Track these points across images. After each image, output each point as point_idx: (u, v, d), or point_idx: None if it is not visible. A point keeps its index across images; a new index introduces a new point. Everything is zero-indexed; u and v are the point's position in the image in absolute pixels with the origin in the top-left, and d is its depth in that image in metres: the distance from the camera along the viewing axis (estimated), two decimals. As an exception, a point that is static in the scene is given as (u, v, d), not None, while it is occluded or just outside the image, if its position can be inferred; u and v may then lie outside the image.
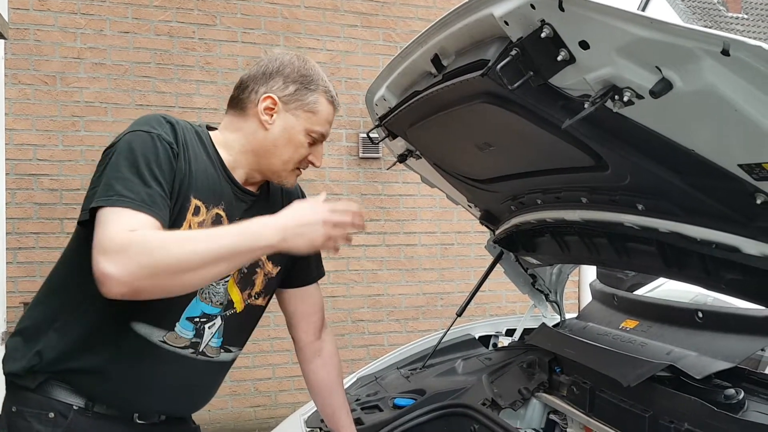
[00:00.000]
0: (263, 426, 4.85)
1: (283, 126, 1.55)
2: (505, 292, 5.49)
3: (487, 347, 2.84)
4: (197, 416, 1.70)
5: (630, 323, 2.27)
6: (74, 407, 1.44)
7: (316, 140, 1.59)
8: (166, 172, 1.37)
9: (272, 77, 1.57)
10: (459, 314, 2.71)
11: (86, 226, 1.34)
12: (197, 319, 1.52)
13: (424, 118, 1.83)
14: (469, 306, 2.77)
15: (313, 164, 1.63)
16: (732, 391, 1.67)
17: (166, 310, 1.46)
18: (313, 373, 1.86)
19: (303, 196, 1.79)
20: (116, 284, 1.20)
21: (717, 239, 1.40)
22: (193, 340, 1.52)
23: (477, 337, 2.84)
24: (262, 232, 1.31)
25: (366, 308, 5.22)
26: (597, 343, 2.19)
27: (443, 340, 2.76)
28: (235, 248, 1.29)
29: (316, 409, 2.24)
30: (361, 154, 5.09)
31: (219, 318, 1.57)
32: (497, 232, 2.45)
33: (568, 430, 2.23)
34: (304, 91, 1.57)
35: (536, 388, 2.32)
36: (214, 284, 1.53)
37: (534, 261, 2.48)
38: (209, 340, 1.56)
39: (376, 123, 2.15)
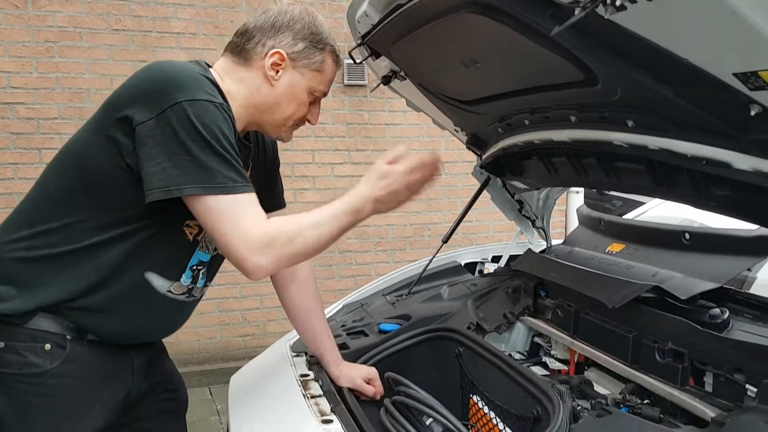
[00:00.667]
0: (252, 355, 4.88)
1: (289, 83, 1.53)
2: (492, 221, 5.49)
3: (473, 274, 2.84)
4: (187, 346, 1.73)
5: (616, 247, 2.25)
6: (68, 337, 1.43)
7: (317, 98, 1.60)
8: (234, 143, 1.39)
9: (281, 31, 1.52)
10: (445, 241, 2.69)
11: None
12: (195, 267, 1.56)
13: (408, 33, 1.75)
14: (455, 235, 2.75)
15: (309, 122, 1.63)
16: (717, 310, 1.67)
17: (177, 262, 1.53)
18: (290, 299, 1.86)
19: (276, 147, 1.85)
20: (265, 273, 1.36)
21: (708, 155, 1.35)
22: (190, 286, 1.57)
23: (463, 264, 2.83)
24: (362, 207, 1.42)
25: (353, 239, 5.21)
26: (583, 266, 2.18)
27: (429, 267, 2.75)
28: (347, 226, 1.43)
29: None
30: (346, 82, 4.96)
31: (209, 261, 1.61)
32: (484, 156, 2.39)
33: (552, 352, 2.24)
34: (312, 50, 1.54)
35: (521, 312, 2.33)
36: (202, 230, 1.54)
37: (521, 185, 2.44)
38: (199, 283, 1.60)
39: (359, 42, 2.06)
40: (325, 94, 1.62)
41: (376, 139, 5.16)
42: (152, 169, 1.29)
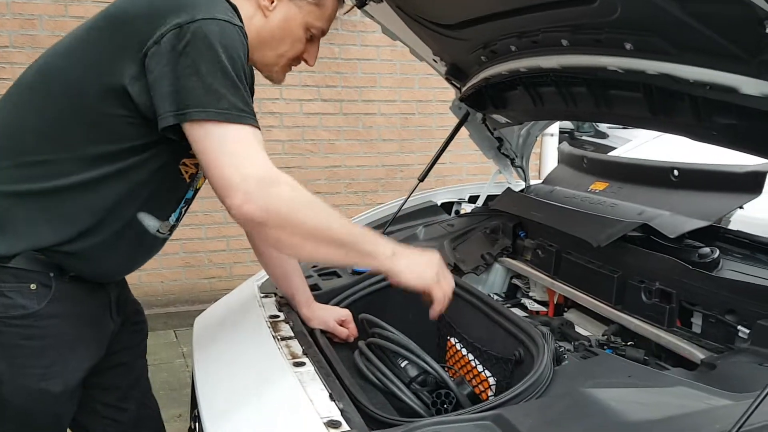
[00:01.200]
0: (219, 297, 4.77)
1: (284, 16, 1.40)
2: (465, 164, 5.39)
3: (450, 214, 2.74)
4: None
5: (600, 185, 2.17)
6: (51, 275, 1.34)
7: (314, 36, 1.47)
8: (247, 71, 1.29)
9: None
10: (421, 179, 2.57)
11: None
12: (182, 206, 1.51)
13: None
14: (429, 178, 2.64)
15: (306, 62, 1.51)
16: (707, 249, 1.60)
17: (171, 202, 1.46)
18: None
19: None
20: (248, 215, 1.19)
21: (713, 79, 1.25)
22: (174, 223, 1.50)
23: (439, 204, 2.72)
24: (380, 245, 1.33)
25: (323, 180, 5.07)
26: (565, 205, 2.09)
27: (404, 207, 2.64)
28: (355, 244, 1.30)
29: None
30: (316, 14, 4.72)
31: (191, 198, 1.54)
32: (464, 88, 2.26)
33: (530, 294, 2.18)
34: None
35: (499, 253, 2.25)
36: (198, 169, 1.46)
37: (503, 120, 2.32)
38: (180, 220, 1.54)
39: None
40: (324, 33, 1.48)
41: (346, 74, 4.97)
42: (164, 91, 1.19)
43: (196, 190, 1.53)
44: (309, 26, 1.42)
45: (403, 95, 5.18)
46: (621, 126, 3.25)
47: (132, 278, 1.59)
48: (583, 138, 8.50)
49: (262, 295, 1.95)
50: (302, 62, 1.51)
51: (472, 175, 5.47)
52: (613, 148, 7.27)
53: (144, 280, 4.60)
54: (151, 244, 1.48)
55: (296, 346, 1.51)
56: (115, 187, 1.32)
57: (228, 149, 1.19)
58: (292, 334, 1.60)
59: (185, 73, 1.17)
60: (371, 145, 5.17)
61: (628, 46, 1.37)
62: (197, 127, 1.19)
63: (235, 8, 1.27)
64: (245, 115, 1.21)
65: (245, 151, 1.20)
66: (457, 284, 1.85)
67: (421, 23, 2.01)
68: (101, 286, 1.47)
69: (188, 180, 1.44)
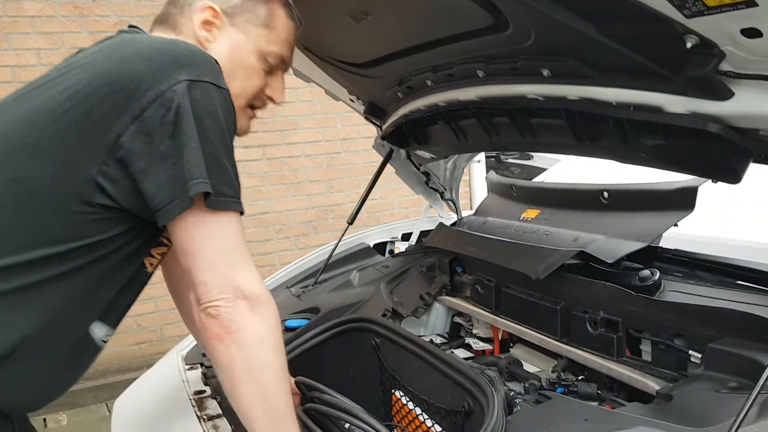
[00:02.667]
0: (150, 363, 4.49)
1: (229, 45, 1.21)
2: (396, 198, 5.33)
3: (384, 255, 2.65)
4: None
5: (531, 212, 2.12)
6: None
7: (274, 67, 1.26)
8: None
9: None
10: (350, 222, 2.47)
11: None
12: None
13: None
14: (360, 216, 2.55)
15: (272, 100, 1.30)
16: (646, 272, 1.55)
17: (128, 302, 1.20)
18: (187, 298, 1.57)
19: None
20: (211, 328, 1.03)
21: (636, 100, 1.20)
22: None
23: (372, 246, 2.63)
24: None
25: (252, 228, 4.90)
26: (499, 237, 2.02)
27: (335, 252, 2.53)
28: (276, 419, 1.09)
29: (195, 343, 1.98)
30: (230, 61, 4.60)
31: None
32: (384, 126, 2.19)
33: (474, 331, 2.09)
34: (255, 3, 1.23)
35: (438, 291, 2.16)
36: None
37: (427, 155, 2.26)
38: None
39: None
40: (285, 62, 1.29)
41: (266, 120, 4.84)
42: (160, 175, 1.00)
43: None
44: (263, 54, 1.23)
45: (327, 135, 5.09)
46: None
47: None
48: (509, 161, 8.61)
49: (187, 367, 1.79)
50: (268, 102, 1.30)
51: (405, 208, 5.41)
52: (541, 169, 7.35)
53: (119, 347, 4.31)
54: (89, 359, 1.17)
55: (225, 427, 1.37)
56: (65, 290, 1.05)
57: (224, 246, 1.03)
58: (220, 412, 1.45)
59: (167, 151, 1.00)
60: (299, 187, 5.04)
61: (545, 72, 1.32)
62: (185, 215, 1.01)
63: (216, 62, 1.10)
64: (237, 201, 1.06)
65: (241, 251, 1.06)
66: (397, 332, 1.75)
67: (332, 64, 1.93)
68: (5, 418, 1.09)
69: (149, 273, 1.20)
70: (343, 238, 2.57)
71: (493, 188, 2.43)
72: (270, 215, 4.96)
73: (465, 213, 2.66)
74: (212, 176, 1.00)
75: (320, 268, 2.47)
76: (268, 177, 4.91)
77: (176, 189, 0.99)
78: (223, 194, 1.02)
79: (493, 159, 7.49)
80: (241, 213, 1.07)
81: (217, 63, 1.08)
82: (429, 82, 1.70)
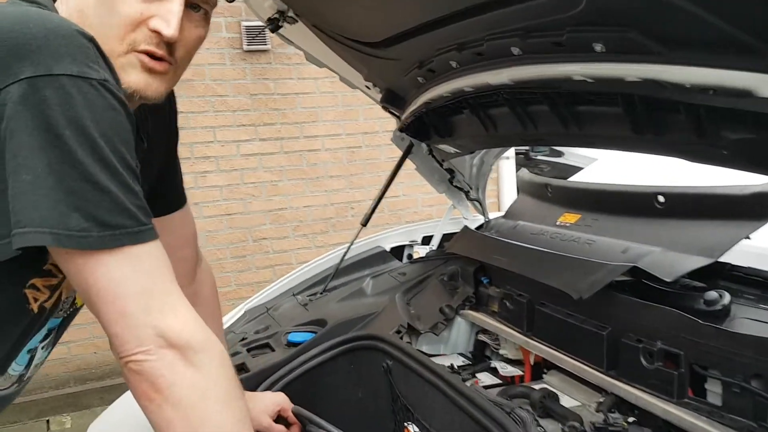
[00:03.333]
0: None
1: None
2: (420, 195, 5.07)
3: (401, 260, 2.40)
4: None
5: (570, 217, 1.85)
6: None
7: None
8: (130, 145, 0.84)
9: None
10: (364, 224, 2.23)
11: None
12: (36, 347, 1.00)
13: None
14: (381, 214, 2.31)
15: (158, 31, 0.92)
16: (713, 293, 1.28)
17: (8, 347, 0.93)
18: None
19: (174, 126, 1.25)
20: (139, 384, 0.81)
21: (718, 81, 0.93)
22: (22, 372, 1.00)
23: (388, 249, 2.38)
24: None
25: (268, 224, 4.69)
26: (532, 245, 1.76)
27: (347, 256, 2.29)
28: None
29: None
30: (245, 47, 4.38)
31: (59, 324, 1.04)
32: (404, 116, 1.93)
33: (501, 351, 1.83)
34: None
35: (461, 304, 1.90)
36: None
37: (451, 150, 2.00)
38: (37, 359, 1.03)
39: (230, -27, 1.55)
40: None
41: (285, 110, 4.62)
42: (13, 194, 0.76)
43: (72, 313, 1.05)
44: None
45: (348, 128, 4.85)
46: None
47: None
48: (539, 158, 8.25)
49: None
50: (157, 38, 0.93)
51: (428, 206, 5.15)
52: (574, 168, 7.00)
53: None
54: None
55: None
56: None
57: (133, 289, 0.80)
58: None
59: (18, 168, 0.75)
60: (317, 183, 4.81)
61: (598, 47, 1.06)
62: (71, 258, 0.79)
63: (92, 42, 0.81)
64: (144, 226, 0.81)
65: (160, 289, 0.82)
66: (412, 356, 1.50)
67: (343, 43, 1.69)
68: None
69: (36, 311, 0.92)
70: (357, 240, 2.33)
71: (525, 188, 2.17)
72: (287, 211, 4.74)
73: (493, 215, 2.41)
74: (88, 208, 0.75)
75: (330, 274, 2.23)
76: (286, 171, 4.69)
77: (5, 226, 0.76)
78: (112, 225, 0.77)
79: (522, 156, 7.18)
80: (152, 239, 0.83)
81: (89, 41, 0.80)
82: (454, 64, 1.44)
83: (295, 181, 4.74)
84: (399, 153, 2.28)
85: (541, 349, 1.57)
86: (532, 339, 1.61)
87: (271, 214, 4.69)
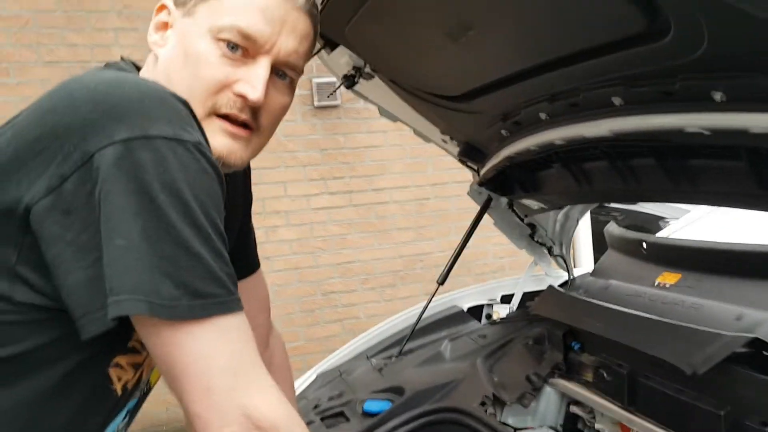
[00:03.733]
0: (178, 427, 4.23)
1: (177, 39, 0.91)
2: (491, 246, 4.92)
3: (480, 320, 2.27)
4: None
5: (669, 277, 1.69)
6: None
7: (237, 49, 0.88)
8: (221, 210, 0.79)
9: None
10: (441, 282, 2.12)
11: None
12: (116, 429, 0.93)
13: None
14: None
15: (244, 96, 0.88)
16: None
17: (92, 426, 0.86)
18: None
19: (249, 188, 1.22)
20: None
21: None
22: None
23: (466, 309, 2.26)
24: None
25: (337, 278, 4.63)
26: (629, 308, 1.61)
27: (424, 316, 2.18)
28: None
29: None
30: (316, 103, 4.42)
31: (137, 404, 0.98)
32: (483, 171, 1.84)
33: (597, 426, 1.67)
34: None
35: (549, 372, 1.75)
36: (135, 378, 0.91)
37: (536, 205, 1.89)
38: None
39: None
40: (249, 37, 0.88)
41: (354, 164, 4.61)
42: (82, 274, 0.71)
43: (147, 392, 0.99)
44: (213, 33, 0.88)
45: (417, 180, 4.79)
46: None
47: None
48: (612, 205, 7.93)
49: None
50: (241, 101, 0.89)
51: (499, 258, 5.00)
52: (653, 217, 6.68)
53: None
54: None
55: None
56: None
57: (220, 364, 0.73)
58: None
59: (103, 237, 0.70)
60: (386, 235, 4.75)
61: (717, 96, 0.94)
62: (164, 327, 0.72)
63: (186, 105, 0.78)
64: (235, 294, 0.76)
65: (246, 364, 0.75)
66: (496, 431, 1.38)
67: (421, 98, 1.62)
68: None
69: (120, 392, 0.86)
70: (432, 300, 2.22)
71: (615, 244, 2.02)
72: (355, 264, 4.68)
73: (577, 271, 2.26)
74: (180, 275, 0.70)
75: (405, 336, 2.12)
76: (354, 224, 4.65)
77: (99, 295, 0.70)
78: (203, 294, 0.71)
79: (653, 201, 6.88)
80: (239, 309, 0.76)
81: (182, 104, 0.76)
82: (543, 116, 1.35)
83: (364, 234, 4.69)
84: (470, 204, 2.18)
85: (645, 426, 1.41)
86: (634, 414, 1.45)
87: (339, 268, 4.64)
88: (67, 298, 0.71)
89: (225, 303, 0.74)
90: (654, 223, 6.66)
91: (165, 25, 0.93)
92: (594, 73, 1.10)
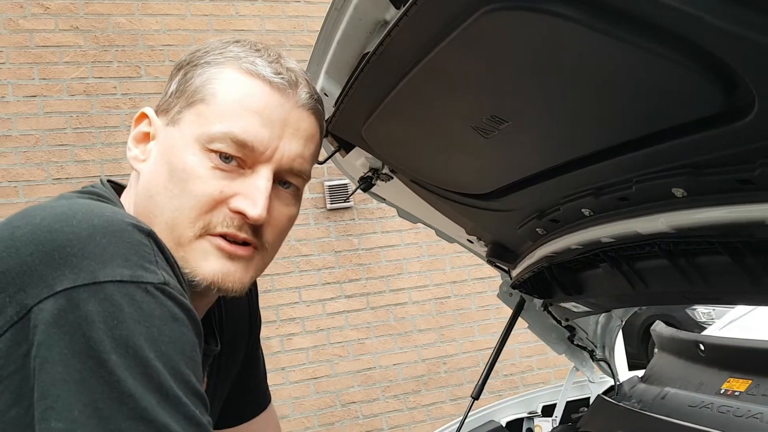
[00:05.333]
0: None
1: (161, 151, 0.80)
2: (517, 345, 4.69)
3: (521, 437, 2.05)
4: None
5: (737, 384, 1.50)
6: None
7: (232, 157, 0.77)
8: (196, 362, 0.65)
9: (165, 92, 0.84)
10: (475, 397, 1.91)
11: None
12: None
13: (384, 95, 1.10)
14: (476, 368, 2.03)
15: (242, 213, 0.76)
16: None
17: None
18: None
19: (255, 315, 1.06)
20: None
21: None
22: None
23: (504, 424, 2.04)
24: None
25: (356, 386, 4.38)
26: (698, 424, 1.41)
27: (459, 434, 1.96)
28: None
29: None
30: (329, 206, 4.35)
31: None
32: (516, 272, 1.69)
33: None
34: (190, 74, 0.81)
35: (611, 501, 1.53)
36: None
37: (579, 309, 1.71)
38: None
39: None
40: (245, 144, 0.76)
41: (369, 265, 4.47)
42: None
43: None
44: (202, 142, 0.76)
45: (435, 278, 4.63)
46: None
47: None
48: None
49: None
50: (240, 219, 0.77)
51: (526, 357, 4.74)
52: (680, 307, 6.41)
53: None
54: None
55: None
56: None
57: None
58: None
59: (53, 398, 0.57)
60: (406, 338, 4.53)
61: (806, 181, 0.80)
62: None
63: (149, 235, 0.66)
64: None
65: None
66: None
67: (445, 197, 1.49)
68: None
69: None
70: (468, 415, 2.01)
71: (665, 345, 1.83)
72: (376, 371, 4.44)
73: (623, 376, 2.05)
74: None
75: (441, 459, 1.90)
76: (373, 328, 4.45)
77: None
78: None
79: (725, 305, 6.71)
80: None
81: (146, 235, 0.64)
82: (587, 212, 1.20)
83: (383, 337, 4.49)
84: (492, 301, 2.05)
85: None
86: None
87: (359, 375, 4.40)
88: None
89: None
90: (680, 311, 6.44)
91: (146, 137, 0.82)
92: (651, 162, 0.96)
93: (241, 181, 0.77)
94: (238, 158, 0.77)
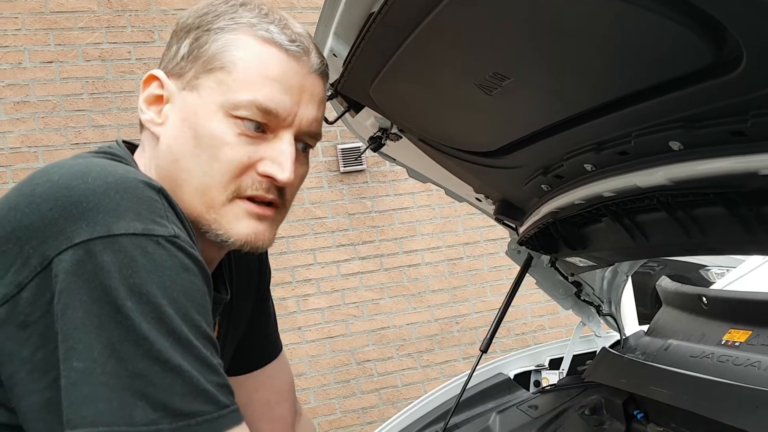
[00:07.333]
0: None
1: (181, 116, 0.83)
2: (528, 305, 4.76)
3: (527, 388, 2.11)
4: None
5: (738, 334, 1.54)
6: None
7: (257, 126, 0.81)
8: (207, 309, 0.70)
9: (167, 50, 0.88)
10: (484, 350, 1.98)
11: None
12: None
13: (390, 54, 1.13)
14: (488, 327, 2.06)
15: (272, 177, 0.82)
16: None
17: None
18: None
19: (265, 266, 1.12)
20: None
21: None
22: None
23: (512, 376, 2.11)
24: None
25: (371, 345, 4.48)
26: (698, 372, 1.46)
27: (468, 386, 2.03)
28: None
29: None
30: (342, 169, 4.39)
31: None
32: (522, 229, 1.73)
33: (673, 507, 1.49)
34: (203, 39, 0.83)
35: (613, 446, 1.60)
36: None
37: (584, 263, 1.76)
38: None
39: (329, 93, 1.45)
40: (269, 112, 0.81)
41: (383, 227, 4.54)
42: (32, 398, 0.63)
43: None
44: (226, 110, 0.80)
45: (448, 240, 4.69)
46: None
47: None
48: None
49: None
50: (269, 182, 0.83)
51: (538, 317, 4.81)
52: (694, 265, 6.43)
53: None
54: None
55: None
56: None
57: None
58: None
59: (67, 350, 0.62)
60: (419, 299, 4.61)
61: (797, 132, 0.83)
62: None
63: (164, 194, 0.71)
64: (230, 406, 0.66)
65: None
66: None
67: (453, 156, 1.53)
68: None
69: None
70: (476, 368, 2.07)
71: (670, 299, 1.88)
72: (390, 330, 4.54)
73: (629, 329, 2.10)
74: (157, 394, 0.60)
75: (450, 409, 1.97)
76: (387, 289, 4.53)
77: (57, 425, 0.60)
78: (186, 414, 0.61)
79: (722, 255, 6.70)
80: (236, 423, 0.66)
81: (157, 192, 0.69)
82: (589, 167, 1.24)
83: (397, 298, 4.57)
84: (503, 261, 2.09)
85: None
86: (718, 495, 1.28)
87: (373, 335, 4.50)
88: (24, 423, 0.62)
89: (215, 420, 0.63)
90: (694, 271, 6.45)
91: (158, 99, 0.85)
92: (648, 116, 0.99)
93: (265, 146, 0.82)
94: (263, 124, 0.82)
